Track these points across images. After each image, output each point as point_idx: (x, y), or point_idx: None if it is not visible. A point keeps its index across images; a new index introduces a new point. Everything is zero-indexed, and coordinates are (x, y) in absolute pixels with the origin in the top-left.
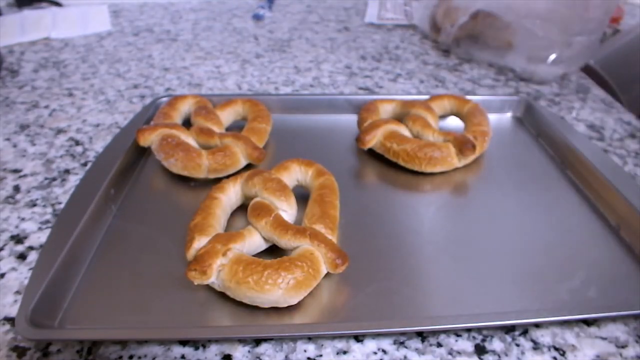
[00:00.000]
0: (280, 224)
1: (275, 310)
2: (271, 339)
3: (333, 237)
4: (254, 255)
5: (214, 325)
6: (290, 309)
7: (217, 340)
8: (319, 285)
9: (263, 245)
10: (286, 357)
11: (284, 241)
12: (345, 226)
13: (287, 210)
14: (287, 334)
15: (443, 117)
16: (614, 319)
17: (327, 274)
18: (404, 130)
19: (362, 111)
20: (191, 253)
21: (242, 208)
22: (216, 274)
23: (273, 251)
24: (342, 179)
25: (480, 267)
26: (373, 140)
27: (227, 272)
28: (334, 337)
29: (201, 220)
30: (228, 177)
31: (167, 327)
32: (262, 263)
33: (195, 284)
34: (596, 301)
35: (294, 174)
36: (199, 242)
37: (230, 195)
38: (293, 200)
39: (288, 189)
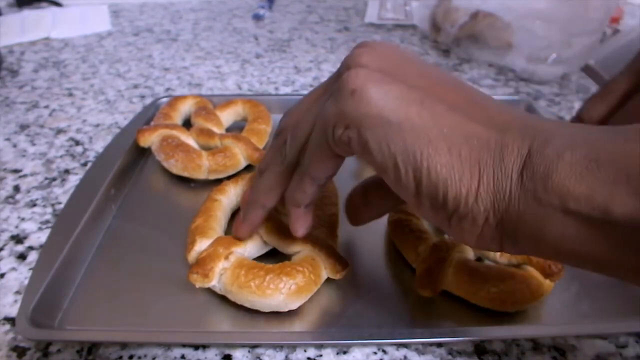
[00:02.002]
0: (281, 229)
1: (276, 314)
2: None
3: (334, 242)
4: (254, 259)
5: (214, 328)
6: (291, 313)
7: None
8: (320, 290)
9: (264, 249)
10: (286, 357)
11: (285, 246)
12: (345, 229)
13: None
14: (288, 342)
15: None
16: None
17: (328, 279)
18: None
19: None
20: (192, 256)
21: None
22: (218, 277)
23: (273, 255)
24: (342, 180)
25: None
26: None
27: (229, 276)
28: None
29: (202, 222)
30: (228, 178)
31: (167, 329)
32: (264, 268)
33: (197, 287)
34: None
35: None
36: (200, 245)
37: (230, 197)
38: None
39: None
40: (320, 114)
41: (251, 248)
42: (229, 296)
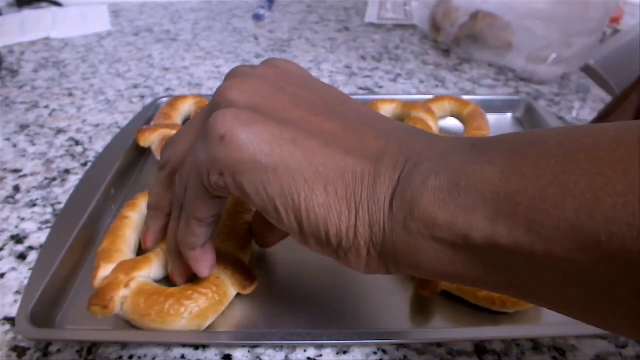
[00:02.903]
0: None
1: (276, 314)
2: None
3: (244, 255)
4: (164, 277)
5: (215, 328)
6: (291, 313)
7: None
8: (319, 291)
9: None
10: (286, 357)
11: None
12: None
13: None
14: (288, 342)
15: (442, 117)
16: None
17: (328, 282)
18: None
19: None
20: (97, 282)
21: None
22: (119, 306)
23: None
24: None
25: None
26: None
27: (129, 304)
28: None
29: (108, 245)
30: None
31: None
32: (165, 293)
33: (99, 318)
34: None
35: None
36: (105, 271)
37: (142, 211)
38: None
39: None
40: (193, 159)
41: (156, 270)
42: (134, 323)
